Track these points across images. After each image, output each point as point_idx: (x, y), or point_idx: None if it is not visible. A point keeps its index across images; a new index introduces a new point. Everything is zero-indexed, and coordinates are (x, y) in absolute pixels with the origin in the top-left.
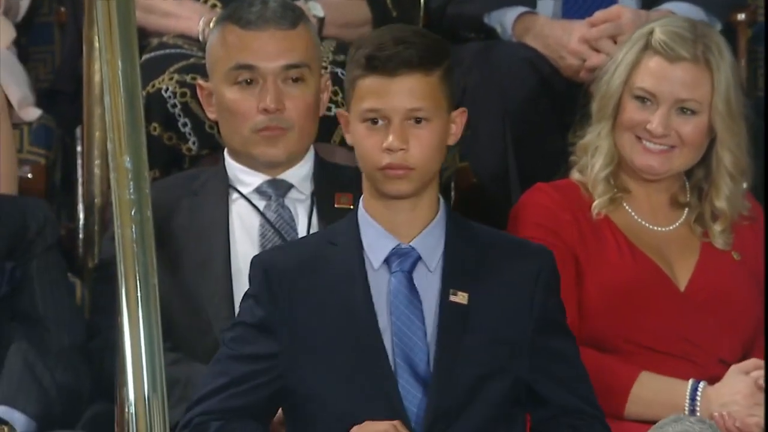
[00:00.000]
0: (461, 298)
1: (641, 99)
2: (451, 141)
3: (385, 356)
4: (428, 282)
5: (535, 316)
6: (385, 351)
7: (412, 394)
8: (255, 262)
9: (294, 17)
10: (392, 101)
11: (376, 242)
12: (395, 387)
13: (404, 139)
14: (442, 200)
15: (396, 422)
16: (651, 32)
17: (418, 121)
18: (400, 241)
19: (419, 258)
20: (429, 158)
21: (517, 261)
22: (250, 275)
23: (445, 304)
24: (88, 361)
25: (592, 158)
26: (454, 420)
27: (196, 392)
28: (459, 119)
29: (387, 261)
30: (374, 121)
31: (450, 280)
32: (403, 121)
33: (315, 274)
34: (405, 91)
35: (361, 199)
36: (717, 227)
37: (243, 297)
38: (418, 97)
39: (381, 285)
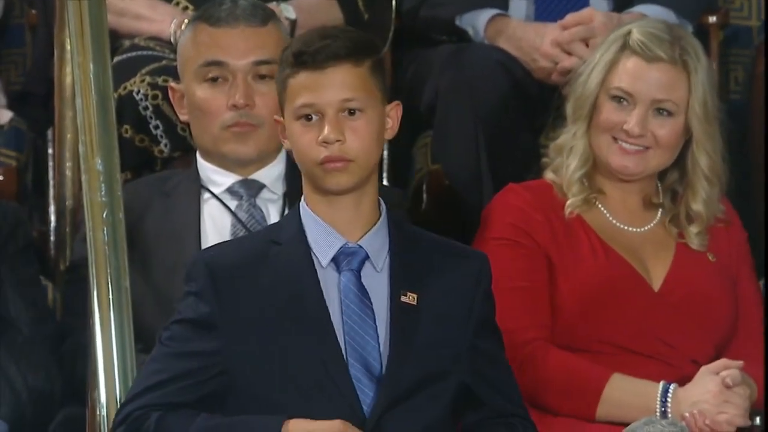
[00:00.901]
0: (411, 299)
1: (618, 99)
2: (388, 135)
3: (339, 353)
4: (376, 281)
5: (475, 318)
6: (340, 348)
7: (365, 393)
8: (196, 259)
9: (264, 15)
10: (324, 94)
11: (323, 240)
12: (350, 384)
13: (340, 130)
14: (382, 202)
15: (340, 422)
16: (628, 33)
17: (352, 112)
18: (347, 240)
19: (366, 257)
20: (367, 149)
21: (458, 265)
22: (189, 273)
23: (396, 304)
24: (60, 364)
25: (567, 159)
26: (405, 418)
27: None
28: (394, 113)
29: (334, 259)
30: (308, 118)
31: (399, 280)
32: (338, 114)
33: (259, 272)
34: (336, 83)
35: (301, 198)
36: (693, 229)
37: (183, 296)
38: (350, 88)
39: (329, 283)
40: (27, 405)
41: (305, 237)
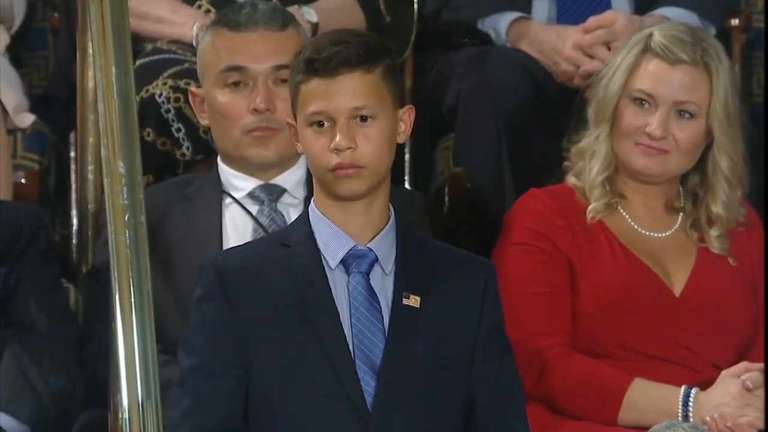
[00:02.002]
0: (414, 301)
1: (640, 102)
2: (401, 139)
3: (347, 354)
4: (383, 284)
5: (485, 328)
6: (348, 349)
7: (371, 394)
8: (205, 265)
9: (284, 19)
10: (335, 102)
11: (333, 242)
12: (357, 385)
13: (351, 137)
14: (391, 207)
15: None
16: (650, 35)
17: (363, 119)
18: (356, 243)
19: (376, 260)
20: (378, 156)
21: (465, 271)
22: (198, 277)
23: (397, 306)
24: (82, 367)
25: (589, 162)
26: (408, 421)
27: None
28: (407, 117)
29: (343, 262)
30: (320, 124)
31: (404, 283)
32: (349, 121)
33: (268, 274)
34: (347, 91)
35: (311, 202)
36: (713, 232)
37: (195, 302)
38: (361, 95)
39: (338, 285)
40: (49, 408)
41: (314, 239)
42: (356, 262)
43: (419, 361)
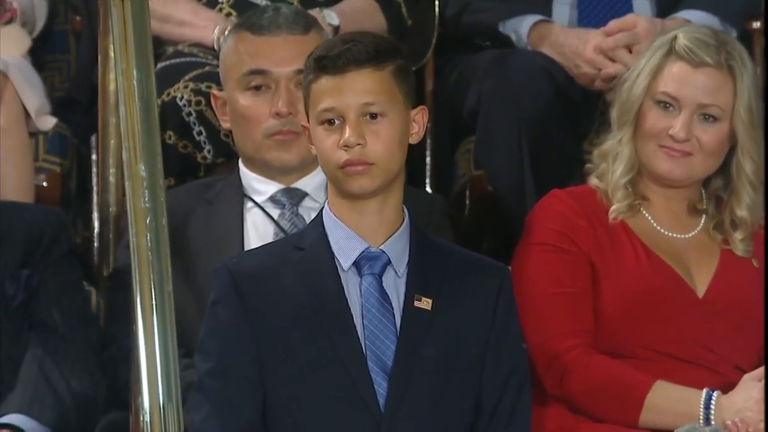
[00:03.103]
0: (425, 303)
1: (664, 104)
2: (414, 140)
3: (361, 356)
4: (396, 286)
5: (496, 329)
6: (362, 350)
7: (384, 396)
8: (219, 268)
9: (306, 23)
10: (345, 98)
11: (346, 244)
12: (370, 386)
13: (360, 134)
14: (405, 209)
15: None
16: (674, 38)
17: (373, 117)
18: (369, 245)
19: (388, 262)
20: (389, 153)
21: (479, 275)
22: (214, 282)
23: (409, 309)
24: (103, 370)
25: (612, 164)
26: (420, 423)
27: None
28: (419, 117)
29: (356, 263)
30: (331, 122)
31: (416, 285)
32: (359, 117)
33: (282, 276)
34: (357, 87)
35: (325, 204)
36: (738, 235)
37: (209, 307)
38: (371, 92)
39: (351, 287)
40: (70, 410)
41: (328, 241)
42: (369, 263)
43: (430, 363)
